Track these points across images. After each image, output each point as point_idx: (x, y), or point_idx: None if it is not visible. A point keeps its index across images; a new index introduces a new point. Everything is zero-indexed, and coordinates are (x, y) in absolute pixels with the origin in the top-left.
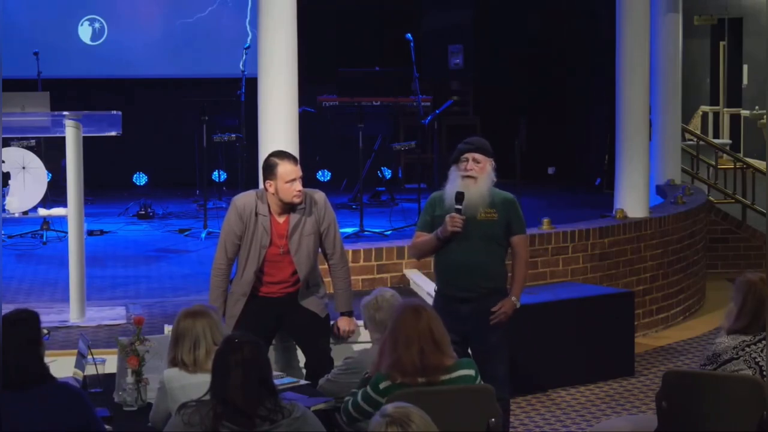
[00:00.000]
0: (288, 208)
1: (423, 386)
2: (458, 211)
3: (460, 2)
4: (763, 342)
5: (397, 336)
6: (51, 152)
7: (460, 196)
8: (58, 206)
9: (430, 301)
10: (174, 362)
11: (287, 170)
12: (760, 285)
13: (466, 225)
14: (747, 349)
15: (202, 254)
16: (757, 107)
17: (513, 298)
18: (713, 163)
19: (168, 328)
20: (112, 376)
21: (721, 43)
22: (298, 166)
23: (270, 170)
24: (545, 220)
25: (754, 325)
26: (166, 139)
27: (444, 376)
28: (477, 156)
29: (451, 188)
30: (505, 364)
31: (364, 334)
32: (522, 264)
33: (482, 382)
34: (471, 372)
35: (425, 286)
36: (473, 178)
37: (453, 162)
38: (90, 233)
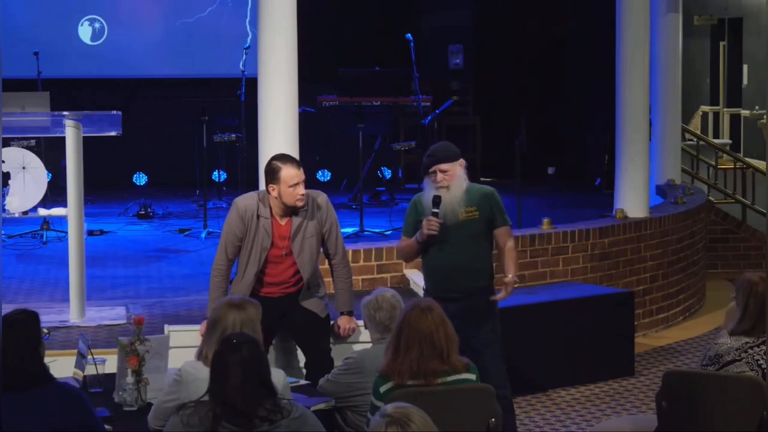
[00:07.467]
0: (290, 210)
1: (420, 387)
2: (435, 215)
3: (460, 2)
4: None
5: (400, 336)
6: (51, 152)
7: (437, 200)
8: (58, 206)
9: None
10: (199, 357)
11: (290, 174)
12: (761, 286)
13: (450, 227)
14: (750, 351)
15: (202, 254)
16: (757, 107)
17: (510, 276)
18: (713, 163)
19: (168, 328)
20: (112, 376)
21: (721, 43)
22: (301, 169)
23: (273, 174)
24: (545, 220)
25: (758, 328)
26: (166, 139)
27: (440, 380)
28: (442, 167)
29: (428, 194)
30: (499, 360)
31: (364, 334)
32: (509, 252)
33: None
34: (471, 377)
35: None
36: (445, 188)
37: (423, 174)
38: (90, 233)
